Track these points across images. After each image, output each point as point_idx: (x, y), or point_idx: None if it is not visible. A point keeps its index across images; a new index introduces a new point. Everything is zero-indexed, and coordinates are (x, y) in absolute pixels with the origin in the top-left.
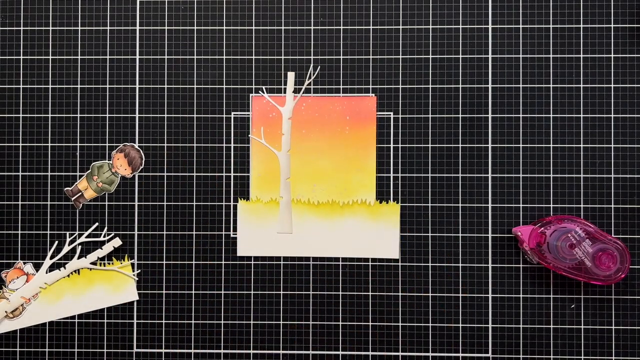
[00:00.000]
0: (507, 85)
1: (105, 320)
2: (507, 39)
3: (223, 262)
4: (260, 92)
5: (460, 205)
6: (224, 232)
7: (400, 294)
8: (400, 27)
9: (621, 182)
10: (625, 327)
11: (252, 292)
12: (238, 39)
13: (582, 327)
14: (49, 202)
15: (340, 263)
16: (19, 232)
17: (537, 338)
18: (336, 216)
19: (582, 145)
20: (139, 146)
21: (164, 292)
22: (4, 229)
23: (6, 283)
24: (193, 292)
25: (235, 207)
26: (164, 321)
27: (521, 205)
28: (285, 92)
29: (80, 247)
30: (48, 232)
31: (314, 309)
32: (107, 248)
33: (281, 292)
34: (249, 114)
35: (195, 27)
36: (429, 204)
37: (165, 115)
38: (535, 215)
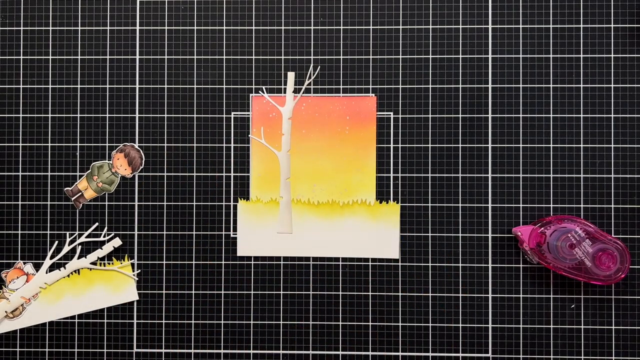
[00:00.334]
0: (507, 85)
1: (105, 320)
2: (507, 39)
3: (223, 262)
4: (260, 92)
5: (460, 205)
6: (224, 232)
7: (400, 294)
8: (400, 27)
9: (621, 182)
10: (625, 327)
11: (252, 292)
12: (238, 39)
13: (582, 327)
14: (49, 202)
15: (340, 263)
16: (19, 232)
17: (537, 338)
18: (336, 216)
19: (582, 145)
20: (139, 146)
21: (164, 292)
22: (4, 229)
23: (6, 283)
24: (193, 292)
25: (235, 207)
26: (164, 321)
27: (521, 205)
28: (285, 92)
29: (80, 247)
30: (48, 232)
31: (314, 309)
32: (107, 248)
33: (281, 292)
34: (249, 114)
35: (195, 27)
36: (429, 204)
37: (165, 115)
38: (535, 215)
